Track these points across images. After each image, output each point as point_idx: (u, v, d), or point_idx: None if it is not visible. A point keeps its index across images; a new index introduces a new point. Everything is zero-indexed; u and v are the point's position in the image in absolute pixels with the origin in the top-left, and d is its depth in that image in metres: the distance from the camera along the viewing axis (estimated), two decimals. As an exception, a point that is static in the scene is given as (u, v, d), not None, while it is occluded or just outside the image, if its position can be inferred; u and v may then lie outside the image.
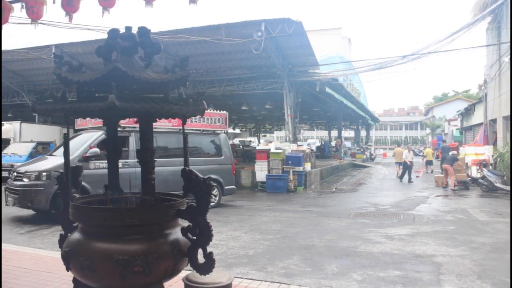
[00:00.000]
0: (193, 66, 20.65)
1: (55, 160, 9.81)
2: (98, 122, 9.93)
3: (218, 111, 13.04)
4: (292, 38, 17.28)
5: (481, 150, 18.05)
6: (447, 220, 9.80)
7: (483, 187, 15.20)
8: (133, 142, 10.15)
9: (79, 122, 11.23)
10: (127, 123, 10.02)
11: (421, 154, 38.66)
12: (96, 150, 9.62)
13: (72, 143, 10.25)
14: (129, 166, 9.44)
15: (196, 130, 12.11)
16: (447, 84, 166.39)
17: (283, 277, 5.56)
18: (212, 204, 11.73)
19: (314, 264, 6.20)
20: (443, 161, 21.77)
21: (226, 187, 12.33)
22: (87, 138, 10.02)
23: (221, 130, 12.89)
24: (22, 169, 9.77)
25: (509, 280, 5.33)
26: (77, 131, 11.60)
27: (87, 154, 9.47)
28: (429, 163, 26.16)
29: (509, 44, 15.56)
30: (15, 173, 9.86)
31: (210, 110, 12.42)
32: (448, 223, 9.42)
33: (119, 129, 10.83)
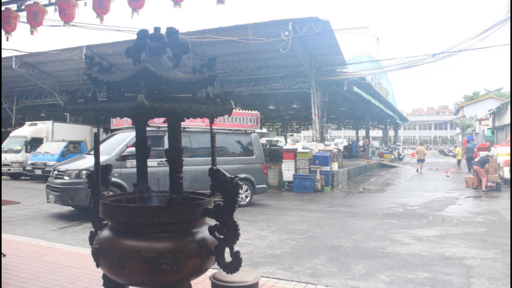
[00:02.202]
0: (220, 66, 20.79)
1: (93, 159, 10.05)
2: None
3: (250, 111, 13.16)
4: (319, 37, 17.19)
5: (514, 151, 17.55)
6: (477, 222, 9.58)
7: (516, 189, 14.79)
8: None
9: (115, 122, 11.45)
10: (161, 123, 10.21)
11: (450, 154, 38.17)
12: (133, 149, 9.86)
13: (109, 143, 10.53)
14: (164, 165, 9.59)
15: (228, 129, 12.26)
16: (479, 83, 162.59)
17: (310, 277, 5.54)
18: (244, 203, 11.86)
19: (341, 264, 6.16)
20: (468, 161, 21.86)
21: (258, 186, 12.47)
22: (124, 137, 10.25)
23: (252, 130, 12.98)
24: (63, 168, 10.09)
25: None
26: (113, 131, 11.87)
27: (125, 153, 9.74)
28: (458, 162, 26.91)
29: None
30: (55, 172, 10.21)
31: (237, 109, 12.50)
32: (478, 225, 9.21)
33: (154, 129, 10.99)
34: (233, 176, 3.10)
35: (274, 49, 17.72)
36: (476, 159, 16.83)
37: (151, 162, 9.08)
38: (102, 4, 6.52)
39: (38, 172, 19.15)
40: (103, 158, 9.36)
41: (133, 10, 6.39)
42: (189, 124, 10.75)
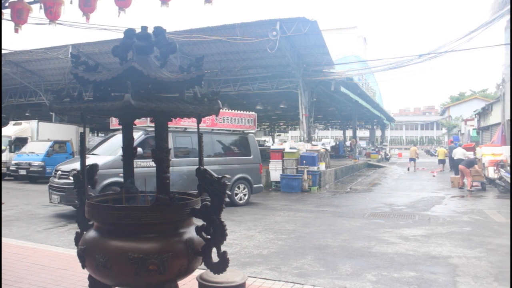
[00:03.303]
0: (207, 66, 20.74)
1: (98, 159, 9.93)
2: (139, 122, 9.96)
3: (247, 112, 13.32)
4: (307, 38, 17.24)
5: (499, 151, 17.74)
6: (463, 221, 9.68)
7: (500, 188, 14.96)
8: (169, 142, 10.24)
9: (114, 122, 11.30)
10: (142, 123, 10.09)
11: (436, 154, 38.73)
12: (139, 149, 9.69)
13: (112, 142, 10.43)
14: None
15: (226, 130, 12.35)
16: (464, 83, 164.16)
17: (297, 277, 5.55)
18: (242, 202, 11.91)
19: (328, 264, 6.17)
20: (451, 160, 22.23)
21: (255, 186, 12.64)
22: None
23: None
24: (67, 168, 10.01)
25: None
26: (112, 131, 11.75)
27: None
28: (441, 161, 27.79)
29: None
30: (59, 172, 10.11)
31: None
32: (464, 224, 9.31)
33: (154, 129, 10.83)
34: (220, 176, 3.09)
35: (262, 49, 17.73)
36: (464, 160, 17.01)
37: None
38: (89, 2, 6.45)
39: (23, 172, 18.91)
40: (108, 158, 9.48)
41: (120, 9, 6.34)
42: (190, 124, 10.74)
